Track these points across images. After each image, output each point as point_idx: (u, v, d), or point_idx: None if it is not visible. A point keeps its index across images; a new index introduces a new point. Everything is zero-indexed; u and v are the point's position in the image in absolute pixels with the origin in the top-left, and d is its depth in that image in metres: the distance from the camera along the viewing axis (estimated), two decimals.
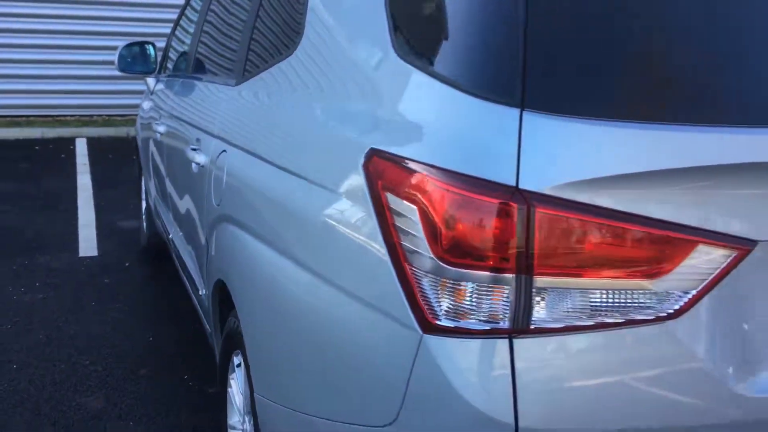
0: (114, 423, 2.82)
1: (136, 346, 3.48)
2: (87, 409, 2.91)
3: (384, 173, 1.32)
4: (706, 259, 1.21)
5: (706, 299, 1.23)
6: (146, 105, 4.46)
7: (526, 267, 1.17)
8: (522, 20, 1.21)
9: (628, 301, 1.20)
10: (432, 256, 1.22)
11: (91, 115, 9.75)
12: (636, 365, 1.23)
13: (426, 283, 1.23)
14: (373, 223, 1.32)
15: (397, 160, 1.29)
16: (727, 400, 1.27)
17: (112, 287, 4.21)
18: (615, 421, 1.23)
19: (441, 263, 1.21)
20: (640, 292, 1.20)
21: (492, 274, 1.18)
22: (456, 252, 1.20)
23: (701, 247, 1.21)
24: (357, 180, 1.38)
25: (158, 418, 2.86)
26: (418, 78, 1.33)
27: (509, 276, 1.18)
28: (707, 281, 1.22)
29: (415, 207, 1.25)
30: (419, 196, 1.24)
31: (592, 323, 1.20)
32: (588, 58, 1.21)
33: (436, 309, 1.23)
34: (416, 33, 1.40)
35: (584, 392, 1.22)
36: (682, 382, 1.25)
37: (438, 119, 1.27)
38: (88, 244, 4.99)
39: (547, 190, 1.16)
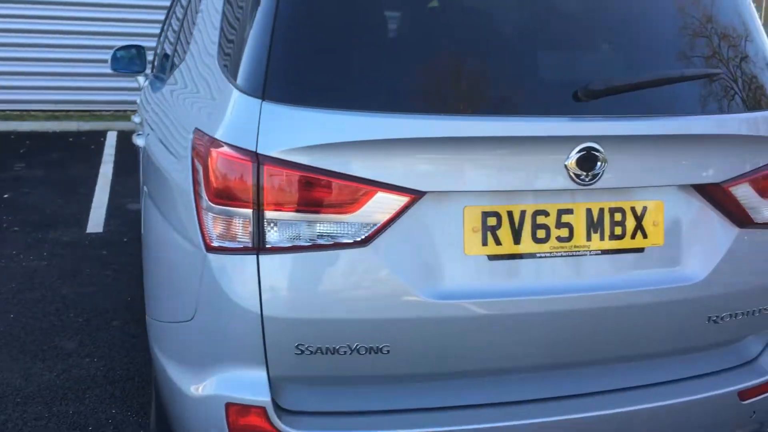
0: (81, 360, 3.45)
1: (115, 303, 4.11)
2: (62, 349, 3.55)
3: (195, 144, 1.89)
4: (385, 202, 1.75)
5: (390, 229, 1.77)
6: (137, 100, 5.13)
7: (259, 205, 1.72)
8: (267, 47, 1.77)
9: (334, 230, 1.74)
10: (206, 197, 1.77)
11: (124, 110, 10.55)
12: (342, 275, 1.77)
13: (206, 216, 1.79)
14: (189, 177, 1.89)
15: (200, 135, 1.86)
16: (412, 303, 1.79)
17: (107, 258, 4.86)
18: (326, 311, 1.78)
19: (211, 203, 1.76)
20: (341, 223, 1.74)
21: (240, 209, 1.74)
22: (219, 195, 1.75)
23: (380, 194, 1.75)
24: (188, 149, 1.96)
25: (117, 357, 3.48)
26: (223, 83, 1.89)
27: (249, 211, 1.73)
28: (387, 218, 1.75)
29: (200, 165, 1.81)
30: (203, 157, 1.80)
31: (311, 245, 1.74)
32: (310, 74, 1.77)
33: (212, 235, 1.78)
34: (223, 51, 1.98)
35: (306, 291, 1.78)
36: (375, 288, 1.78)
37: (225, 106, 1.83)
38: (95, 222, 5.68)
39: (273, 154, 1.71)
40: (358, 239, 1.78)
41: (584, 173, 1.86)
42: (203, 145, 1.83)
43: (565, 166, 1.85)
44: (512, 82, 1.89)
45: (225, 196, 1.77)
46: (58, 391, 3.12)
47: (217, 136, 1.78)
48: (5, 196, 6.31)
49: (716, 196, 2.05)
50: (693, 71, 2.05)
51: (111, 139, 9.13)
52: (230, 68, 1.87)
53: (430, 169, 1.80)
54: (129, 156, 8.26)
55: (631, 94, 1.91)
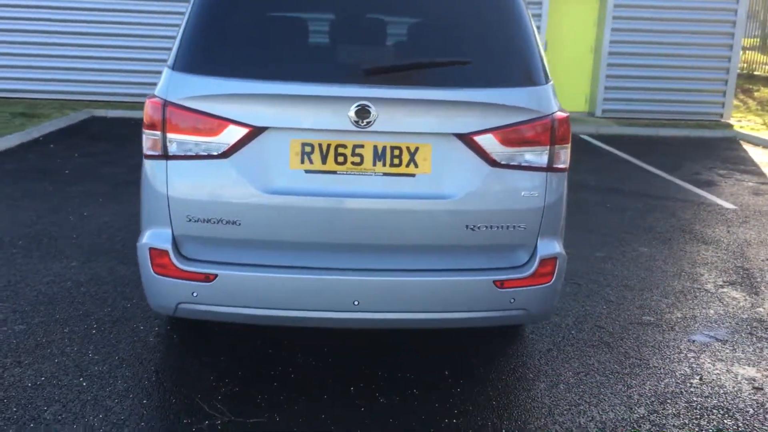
0: None
1: None
2: None
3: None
4: (235, 131, 2.94)
5: (243, 149, 2.95)
6: None
7: (164, 128, 3.00)
8: (179, 43, 3.05)
9: (205, 147, 2.97)
10: (143, 127, 3.10)
11: None
12: (210, 175, 2.99)
13: (144, 137, 3.10)
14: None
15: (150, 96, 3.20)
16: (252, 195, 2.97)
17: None
18: (201, 195, 3.00)
19: (144, 129, 3.07)
20: (209, 143, 2.96)
21: (155, 131, 3.02)
22: (147, 125, 3.05)
23: (231, 126, 2.95)
24: None
25: None
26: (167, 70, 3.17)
27: (159, 133, 3.02)
28: (235, 141, 2.94)
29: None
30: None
31: (193, 155, 2.99)
32: (196, 55, 3.02)
33: (146, 149, 3.09)
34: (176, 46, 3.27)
35: (190, 182, 3.01)
36: (230, 184, 2.98)
37: (163, 79, 3.15)
38: None
39: (172, 100, 2.98)
40: (218, 153, 3.01)
41: (360, 120, 2.97)
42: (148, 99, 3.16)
43: (348, 116, 2.97)
44: (323, 62, 3.06)
45: (149, 125, 3.06)
46: None
47: (153, 92, 3.11)
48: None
49: (470, 143, 3.05)
50: (440, 59, 3.09)
51: None
52: (171, 60, 3.19)
53: (267, 113, 2.94)
54: None
55: (402, 72, 3.01)
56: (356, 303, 3.06)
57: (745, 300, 4.82)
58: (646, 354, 3.96)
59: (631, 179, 8.67)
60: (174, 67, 3.03)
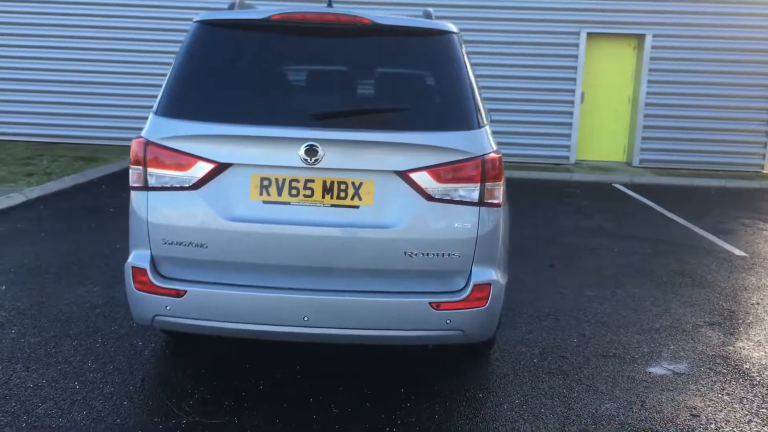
0: None
1: None
2: None
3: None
4: (202, 166, 3.42)
5: (210, 182, 3.42)
6: None
7: (145, 164, 3.50)
8: (162, 94, 3.58)
9: (178, 180, 3.45)
10: (129, 163, 3.61)
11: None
12: (181, 204, 3.46)
13: (131, 172, 3.61)
14: None
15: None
16: (217, 222, 3.43)
17: None
18: (173, 222, 3.47)
19: (131, 165, 3.59)
20: (181, 176, 3.44)
21: (139, 166, 3.52)
22: (132, 161, 3.56)
23: (200, 162, 3.44)
24: None
25: None
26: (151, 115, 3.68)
27: (141, 168, 3.52)
28: (203, 175, 3.41)
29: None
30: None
31: (169, 186, 3.48)
32: (173, 104, 3.53)
33: (132, 182, 3.59)
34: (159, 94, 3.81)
35: (165, 210, 3.48)
36: (197, 213, 3.45)
37: (148, 122, 3.66)
38: None
39: (152, 140, 3.48)
40: (188, 185, 3.49)
41: (309, 158, 3.41)
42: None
43: (299, 154, 3.42)
44: (279, 107, 3.52)
45: (134, 161, 3.56)
46: None
47: (140, 134, 3.64)
48: None
49: (407, 179, 3.45)
50: (380, 106, 3.53)
51: None
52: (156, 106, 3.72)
53: (231, 151, 3.40)
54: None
55: (346, 116, 3.46)
56: (306, 319, 3.46)
57: (718, 339, 5.00)
58: (598, 382, 4.21)
59: (650, 226, 8.84)
60: (156, 112, 3.55)
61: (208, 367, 4.18)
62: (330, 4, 4.02)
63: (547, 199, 10.72)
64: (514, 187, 11.52)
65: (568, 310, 5.49)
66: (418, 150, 3.44)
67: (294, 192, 3.45)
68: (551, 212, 9.68)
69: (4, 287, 5.47)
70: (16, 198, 8.56)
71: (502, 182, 3.55)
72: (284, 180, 3.45)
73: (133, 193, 3.59)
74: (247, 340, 4.23)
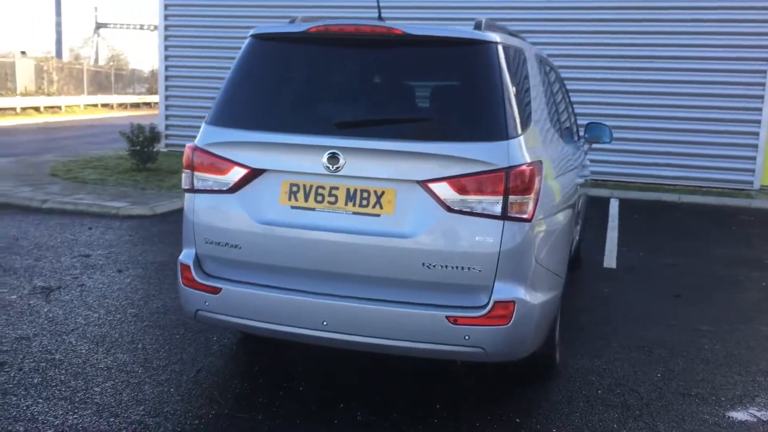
0: None
1: None
2: None
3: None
4: (238, 171, 3.60)
5: (246, 186, 3.59)
6: None
7: (192, 168, 3.74)
8: (214, 106, 3.81)
9: (218, 183, 3.66)
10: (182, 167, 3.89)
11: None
12: (220, 205, 3.66)
13: (184, 175, 3.88)
14: None
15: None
16: (249, 224, 3.58)
17: None
18: (213, 222, 3.69)
19: (184, 168, 3.85)
20: (221, 180, 3.65)
21: (188, 170, 3.77)
22: (185, 165, 3.82)
23: (236, 167, 3.61)
24: None
25: None
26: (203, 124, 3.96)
27: (191, 172, 3.76)
28: (238, 179, 3.58)
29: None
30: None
31: (210, 189, 3.69)
32: (221, 113, 3.75)
33: (184, 184, 3.85)
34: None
35: (207, 210, 3.71)
36: (233, 215, 3.62)
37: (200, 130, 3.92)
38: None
39: (200, 146, 3.72)
40: (226, 189, 3.68)
41: (331, 165, 3.46)
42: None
43: (322, 162, 3.48)
44: (307, 117, 3.61)
45: (185, 166, 3.81)
46: None
47: (196, 143, 3.89)
48: None
49: (427, 189, 3.39)
50: (404, 116, 3.50)
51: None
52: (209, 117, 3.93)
53: (264, 157, 3.57)
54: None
55: (367, 127, 3.48)
56: (325, 323, 3.51)
57: None
58: (659, 420, 3.83)
59: None
60: (207, 122, 3.80)
61: (261, 365, 4.36)
62: (380, 17, 4.06)
63: (710, 224, 9.91)
64: (681, 212, 10.81)
65: (669, 343, 5.04)
66: (439, 160, 3.38)
67: (319, 198, 3.53)
68: (709, 239, 8.94)
69: (127, 277, 6.05)
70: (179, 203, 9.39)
71: (532, 195, 3.39)
72: (311, 186, 3.54)
73: (185, 196, 3.86)
74: (312, 345, 4.34)
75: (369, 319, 3.47)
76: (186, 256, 3.84)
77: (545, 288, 3.63)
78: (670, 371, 4.52)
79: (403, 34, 3.57)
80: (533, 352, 3.70)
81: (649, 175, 12.94)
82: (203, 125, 3.81)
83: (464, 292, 3.43)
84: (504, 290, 3.39)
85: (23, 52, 37.34)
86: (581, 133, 6.60)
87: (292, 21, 4.10)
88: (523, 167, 3.35)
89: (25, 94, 31.82)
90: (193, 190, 3.78)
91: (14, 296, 5.53)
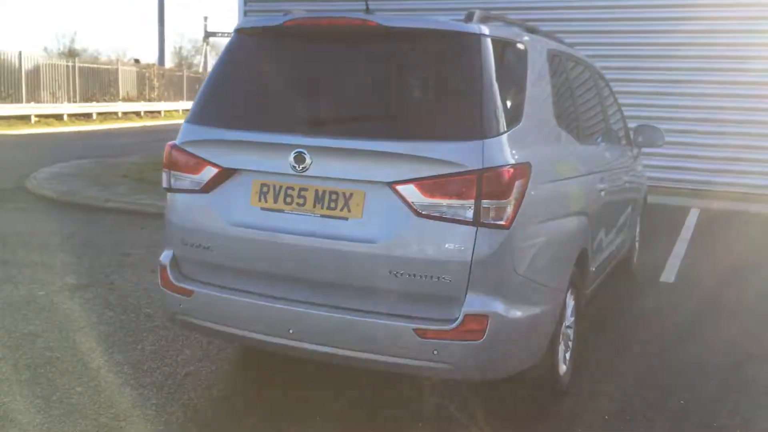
0: None
1: None
2: None
3: None
4: (210, 170, 3.45)
5: (220, 186, 3.45)
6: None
7: (170, 168, 3.63)
8: (198, 96, 3.70)
9: (192, 182, 3.53)
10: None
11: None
12: (193, 205, 3.53)
13: (164, 174, 3.79)
14: None
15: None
16: (220, 225, 3.43)
17: None
18: (186, 223, 3.57)
19: (165, 168, 3.75)
20: (194, 179, 3.52)
21: (166, 170, 3.67)
22: (164, 165, 3.72)
23: (208, 167, 3.48)
24: None
25: None
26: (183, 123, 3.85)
27: (168, 170, 3.65)
28: (210, 178, 3.44)
29: None
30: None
31: (185, 188, 3.57)
32: (200, 111, 3.62)
33: (163, 183, 3.77)
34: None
35: (181, 210, 3.60)
36: (205, 215, 3.48)
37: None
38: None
39: (178, 144, 3.61)
40: (198, 188, 3.54)
41: (298, 165, 3.26)
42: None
43: (288, 161, 3.29)
44: (276, 115, 3.43)
45: (164, 164, 3.71)
46: None
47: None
48: None
49: (396, 192, 3.14)
50: (373, 114, 3.28)
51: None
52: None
53: (234, 156, 3.41)
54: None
55: (335, 125, 3.27)
56: (291, 331, 3.32)
57: None
58: None
59: None
60: (186, 120, 3.70)
61: (259, 373, 4.24)
62: (367, 9, 3.83)
63: None
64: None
65: (705, 365, 4.58)
66: (408, 161, 3.14)
67: (288, 200, 3.36)
68: None
69: (158, 276, 6.05)
70: None
71: (510, 200, 3.09)
72: (280, 187, 3.37)
73: (167, 195, 3.77)
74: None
75: (335, 329, 3.26)
76: (165, 256, 3.74)
77: (531, 302, 3.32)
78: (697, 399, 4.08)
79: (377, 26, 3.35)
80: (523, 372, 3.39)
81: (736, 183, 12.03)
82: (183, 123, 3.71)
83: (434, 304, 3.17)
84: (476, 302, 3.10)
85: (137, 60, 39.22)
86: (631, 137, 6.16)
87: (286, 14, 3.96)
88: (501, 169, 3.07)
89: (127, 99, 33.26)
90: (170, 189, 3.68)
91: (42, 292, 5.63)
